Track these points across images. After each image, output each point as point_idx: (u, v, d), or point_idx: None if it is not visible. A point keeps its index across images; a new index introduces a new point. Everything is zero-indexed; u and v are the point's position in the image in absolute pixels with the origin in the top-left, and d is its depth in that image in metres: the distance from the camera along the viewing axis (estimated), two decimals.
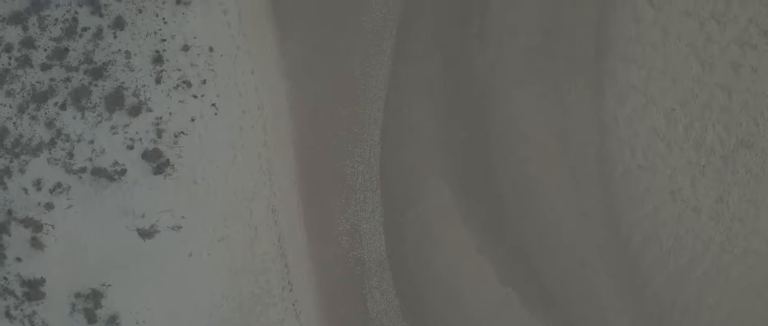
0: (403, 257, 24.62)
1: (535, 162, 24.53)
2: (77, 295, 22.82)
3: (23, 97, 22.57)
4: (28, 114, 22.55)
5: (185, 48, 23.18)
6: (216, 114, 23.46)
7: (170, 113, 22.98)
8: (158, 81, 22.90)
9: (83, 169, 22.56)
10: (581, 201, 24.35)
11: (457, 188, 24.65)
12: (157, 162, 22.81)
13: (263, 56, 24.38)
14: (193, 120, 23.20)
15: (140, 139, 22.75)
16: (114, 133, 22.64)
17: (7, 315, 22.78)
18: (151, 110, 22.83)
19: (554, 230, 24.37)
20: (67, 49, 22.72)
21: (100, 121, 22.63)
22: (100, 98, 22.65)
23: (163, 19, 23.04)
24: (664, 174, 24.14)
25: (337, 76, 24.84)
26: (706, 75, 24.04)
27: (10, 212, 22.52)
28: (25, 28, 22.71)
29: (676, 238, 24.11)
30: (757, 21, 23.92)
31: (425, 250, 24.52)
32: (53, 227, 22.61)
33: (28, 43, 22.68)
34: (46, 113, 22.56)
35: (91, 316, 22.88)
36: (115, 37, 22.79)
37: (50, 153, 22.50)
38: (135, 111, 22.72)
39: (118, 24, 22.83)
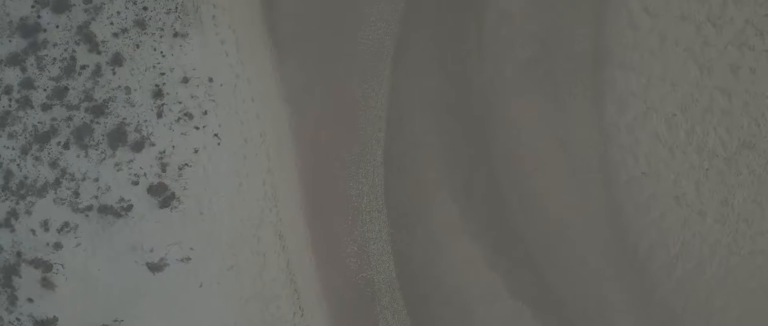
0: (413, 276, 24.69)
1: (540, 174, 24.59)
2: None
3: (26, 138, 22.61)
4: (32, 155, 22.59)
5: (185, 80, 23.22)
6: (219, 144, 23.51)
7: (173, 146, 23.03)
8: (160, 115, 22.94)
9: (90, 207, 22.62)
10: (587, 211, 24.40)
11: (464, 204, 24.71)
12: (163, 196, 22.87)
13: (262, 83, 24.44)
14: (196, 151, 23.25)
15: (145, 174, 22.80)
16: (118, 170, 22.69)
17: None
18: (154, 144, 22.88)
19: (562, 241, 24.44)
20: (66, 88, 22.77)
21: (104, 158, 22.68)
22: (103, 135, 22.70)
23: (161, 52, 23.08)
24: (668, 180, 24.20)
25: (337, 98, 24.90)
26: (705, 78, 24.09)
27: (19, 254, 22.59)
28: (23, 69, 22.75)
29: (683, 243, 24.18)
30: (753, 22, 23.95)
31: (435, 268, 24.59)
32: (63, 266, 22.67)
33: (28, 83, 22.73)
34: (49, 153, 22.61)
35: None
36: (114, 73, 22.83)
37: (56, 193, 22.56)
38: (138, 146, 22.76)
39: (117, 60, 22.87)
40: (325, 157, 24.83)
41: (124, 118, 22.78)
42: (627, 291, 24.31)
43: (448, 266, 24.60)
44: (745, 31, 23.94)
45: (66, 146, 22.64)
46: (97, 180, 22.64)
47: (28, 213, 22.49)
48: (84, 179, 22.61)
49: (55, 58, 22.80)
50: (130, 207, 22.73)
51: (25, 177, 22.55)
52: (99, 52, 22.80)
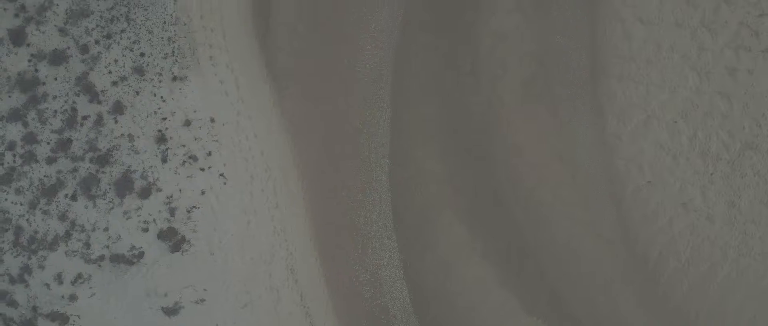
0: (426, 300, 24.82)
1: (545, 189, 24.72)
2: None
3: (33, 193, 22.68)
4: (40, 209, 22.67)
5: (187, 123, 23.29)
6: (225, 183, 23.60)
7: (180, 190, 23.11)
8: (164, 160, 23.02)
9: (102, 257, 22.71)
10: (595, 223, 24.53)
11: (471, 224, 24.85)
12: (174, 240, 22.97)
13: (264, 118, 24.52)
14: (203, 193, 23.33)
15: (154, 220, 22.89)
16: (127, 218, 22.78)
17: None
18: (160, 190, 22.96)
19: (572, 255, 24.57)
20: (70, 140, 22.83)
21: (112, 208, 22.76)
22: (109, 185, 22.78)
23: (162, 97, 23.14)
24: (673, 187, 24.32)
25: (339, 128, 25.01)
26: (704, 83, 24.19)
27: (35, 308, 22.68)
28: (25, 124, 22.80)
29: (692, 248, 24.31)
30: (747, 23, 24.04)
31: (448, 290, 24.73)
32: (79, 317, 22.77)
33: (31, 138, 22.78)
34: (57, 206, 22.69)
35: None
36: (116, 122, 22.89)
37: (67, 245, 22.64)
38: (145, 193, 22.85)
39: (118, 108, 22.94)
40: (332, 187, 24.94)
41: (130, 166, 22.85)
42: (640, 300, 24.44)
43: (461, 287, 24.74)
44: (740, 33, 24.03)
45: (73, 198, 22.72)
46: (107, 229, 22.72)
47: (41, 267, 22.58)
48: (94, 230, 22.69)
49: (56, 111, 22.85)
50: (141, 255, 22.82)
51: (36, 232, 22.63)
52: (99, 102, 22.87)
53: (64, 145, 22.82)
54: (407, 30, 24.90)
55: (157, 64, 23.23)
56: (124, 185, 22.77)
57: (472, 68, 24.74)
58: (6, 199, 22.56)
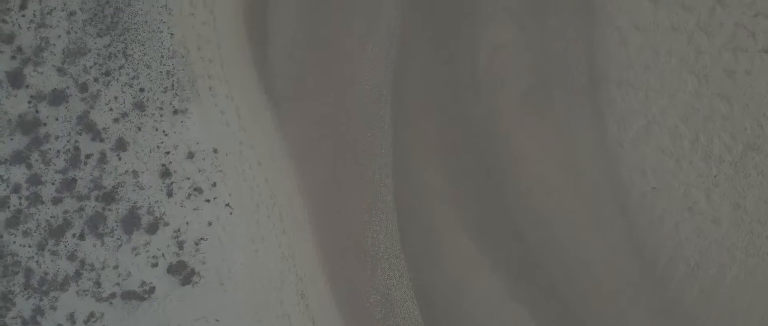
0: (438, 318, 24.82)
1: (550, 200, 24.73)
2: None
3: (40, 234, 22.74)
4: (49, 250, 22.73)
5: (190, 155, 23.35)
6: (231, 213, 23.65)
7: (187, 223, 23.17)
8: (170, 194, 23.08)
9: (113, 295, 22.77)
10: (602, 232, 24.57)
11: (479, 239, 24.86)
12: (183, 273, 23.03)
13: (267, 145, 24.54)
14: (210, 224, 23.39)
15: (163, 255, 22.95)
16: (136, 254, 22.84)
17: None
18: (168, 224, 23.02)
19: (580, 265, 24.60)
20: (74, 179, 22.89)
21: (121, 245, 22.82)
22: (116, 222, 22.84)
23: (164, 131, 23.19)
24: (678, 192, 24.37)
25: (342, 150, 25.02)
26: (703, 86, 24.23)
27: None
28: (29, 166, 22.87)
29: (700, 252, 24.36)
30: (743, 24, 24.07)
31: (459, 306, 24.75)
32: None
33: (35, 180, 22.85)
34: (66, 246, 22.75)
35: None
36: (119, 159, 22.95)
37: (78, 285, 22.71)
38: (152, 228, 22.91)
39: (120, 145, 23.00)
40: (337, 210, 24.96)
41: (136, 202, 22.91)
42: (650, 307, 24.48)
43: (473, 303, 24.77)
44: (737, 35, 24.07)
45: (81, 237, 22.78)
46: (116, 267, 22.79)
47: (53, 308, 22.65)
48: (104, 268, 22.76)
49: (59, 151, 22.91)
50: (152, 290, 22.89)
51: (46, 273, 22.70)
52: (102, 140, 22.93)
53: (69, 184, 22.88)
54: (404, 48, 24.91)
55: (158, 99, 23.28)
56: (131, 221, 22.84)
57: (471, 81, 24.75)
58: (14, 242, 22.63)
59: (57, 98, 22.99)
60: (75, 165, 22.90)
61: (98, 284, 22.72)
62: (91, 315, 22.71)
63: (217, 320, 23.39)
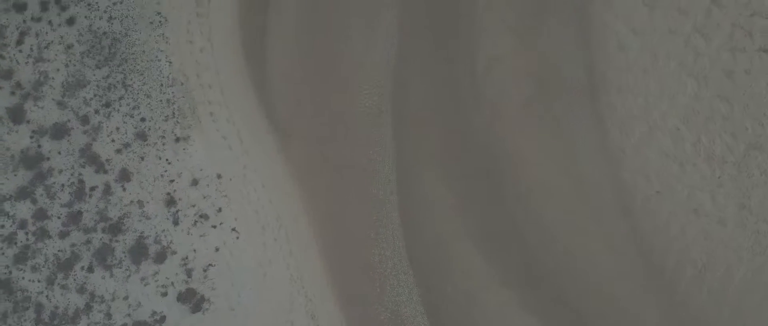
0: None
1: (554, 208, 24.76)
2: None
3: (49, 268, 22.78)
4: (58, 284, 22.77)
5: (194, 182, 23.38)
6: (238, 238, 23.69)
7: (194, 250, 23.21)
8: (176, 222, 23.11)
9: None
10: (608, 239, 24.60)
11: (486, 250, 24.88)
12: (193, 300, 23.08)
13: (270, 167, 24.58)
14: (217, 250, 23.43)
15: (172, 283, 23.00)
16: (145, 284, 22.88)
17: None
18: (175, 253, 23.06)
19: (589, 272, 24.63)
20: (80, 212, 22.92)
21: (129, 275, 22.86)
22: (124, 253, 22.87)
23: (167, 160, 23.21)
24: (682, 194, 24.39)
25: (345, 169, 25.04)
26: (703, 88, 24.24)
27: None
28: (34, 201, 22.90)
29: (707, 253, 24.40)
30: (740, 24, 24.07)
31: (471, 319, 24.76)
32: None
33: (41, 214, 22.88)
34: (75, 280, 22.79)
35: None
36: (124, 189, 22.98)
37: (89, 317, 22.75)
38: (160, 257, 22.95)
39: (124, 176, 23.02)
40: (343, 229, 25.00)
41: (142, 232, 22.95)
42: (660, 311, 24.52)
43: (483, 315, 24.80)
44: (734, 35, 24.08)
45: (90, 269, 22.82)
46: (126, 298, 22.83)
47: None
48: (114, 299, 22.80)
49: (63, 184, 22.94)
50: (163, 319, 22.93)
51: (56, 307, 22.74)
52: (106, 171, 22.96)
53: (75, 217, 22.92)
54: (402, 62, 24.92)
55: (159, 127, 23.30)
56: (138, 252, 22.88)
57: (472, 93, 24.78)
58: (23, 278, 22.67)
59: (59, 132, 23.02)
60: (80, 198, 22.93)
61: (109, 316, 22.76)
62: None
63: None
